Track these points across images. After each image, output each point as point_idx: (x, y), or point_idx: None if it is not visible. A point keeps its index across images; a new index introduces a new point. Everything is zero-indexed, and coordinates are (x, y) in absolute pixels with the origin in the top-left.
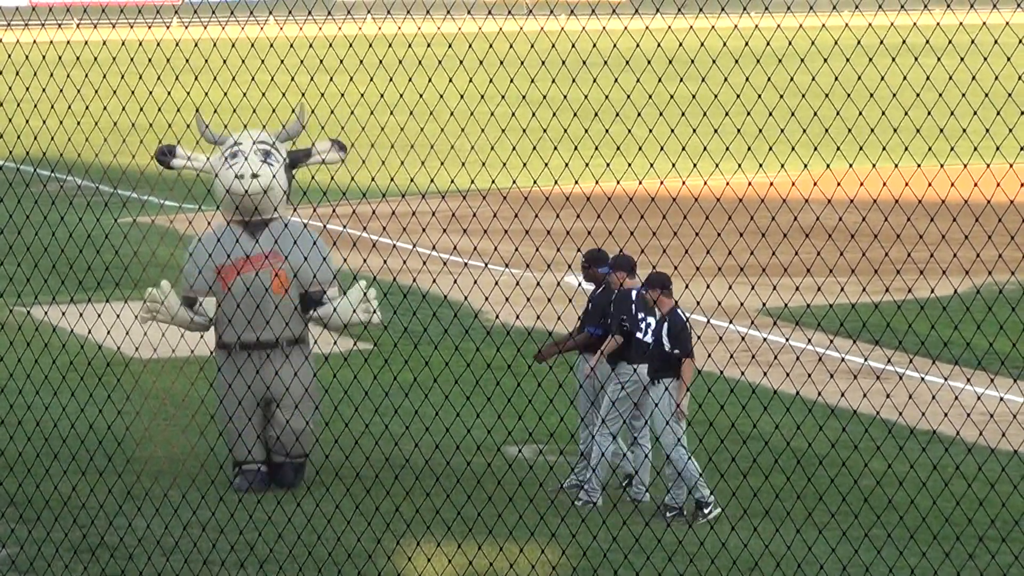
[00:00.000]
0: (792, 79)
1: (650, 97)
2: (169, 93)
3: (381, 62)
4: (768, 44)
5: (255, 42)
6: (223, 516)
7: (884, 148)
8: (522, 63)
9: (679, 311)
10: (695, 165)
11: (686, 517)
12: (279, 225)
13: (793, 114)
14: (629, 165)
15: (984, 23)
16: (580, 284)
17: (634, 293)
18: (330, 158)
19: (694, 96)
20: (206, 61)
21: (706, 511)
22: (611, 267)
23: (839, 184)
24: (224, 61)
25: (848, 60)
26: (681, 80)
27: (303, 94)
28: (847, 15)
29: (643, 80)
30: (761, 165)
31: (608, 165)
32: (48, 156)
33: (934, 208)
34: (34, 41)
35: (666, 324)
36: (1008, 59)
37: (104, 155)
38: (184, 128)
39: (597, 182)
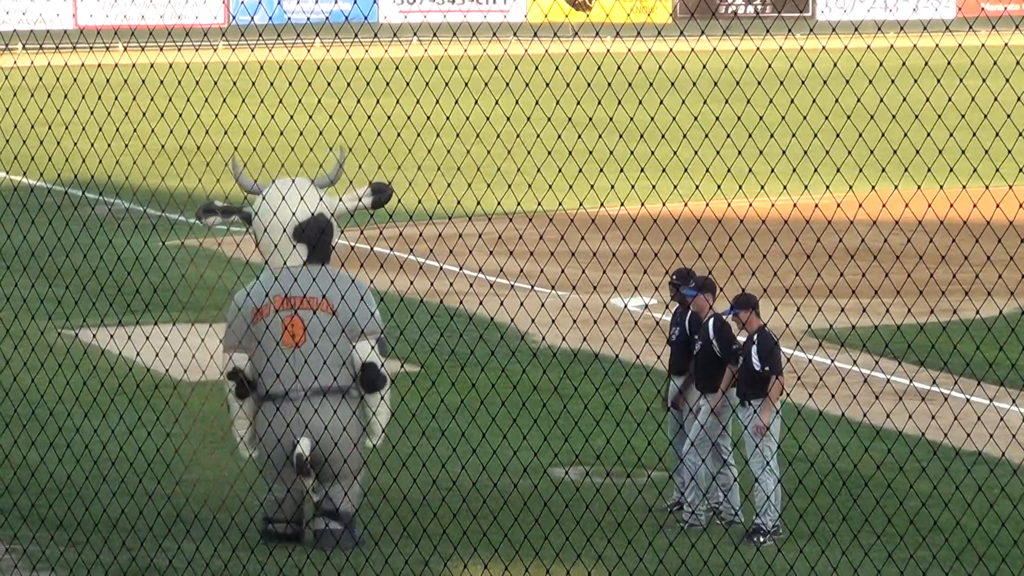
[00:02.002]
0: (837, 100)
1: (695, 119)
2: (217, 116)
3: (428, 84)
4: (813, 65)
5: (302, 64)
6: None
7: (929, 169)
8: (568, 85)
9: (768, 331)
10: (740, 187)
11: (776, 540)
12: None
13: (839, 135)
14: (675, 187)
15: None
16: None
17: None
18: (367, 202)
19: (739, 118)
20: (253, 83)
21: (762, 539)
22: (698, 289)
23: (884, 205)
24: (271, 83)
25: (893, 81)
26: (727, 102)
27: (350, 116)
28: (892, 36)
29: (688, 102)
30: (806, 187)
31: (654, 187)
32: (96, 179)
33: (979, 229)
34: (82, 64)
35: (755, 344)
36: None
37: (152, 178)
38: (232, 150)
39: (643, 204)
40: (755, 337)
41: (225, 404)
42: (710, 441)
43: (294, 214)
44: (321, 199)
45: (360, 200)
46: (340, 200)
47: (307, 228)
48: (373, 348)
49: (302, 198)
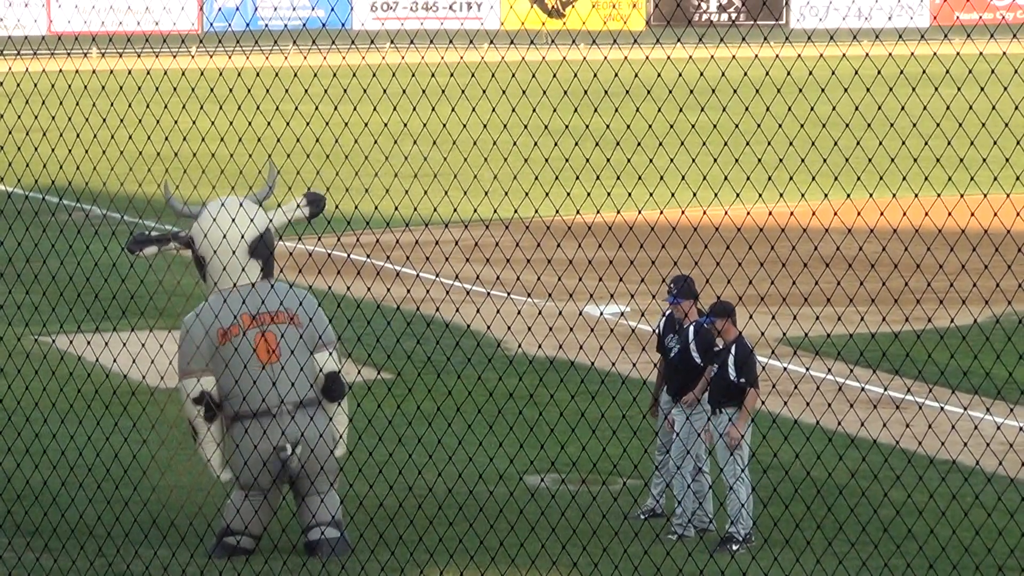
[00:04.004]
0: (813, 109)
1: (671, 127)
2: (194, 122)
3: (404, 91)
4: (788, 74)
5: (279, 71)
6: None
7: (904, 178)
8: (544, 93)
9: (744, 340)
10: (716, 194)
11: (750, 548)
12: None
13: (814, 143)
14: (651, 194)
15: (1004, 53)
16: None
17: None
18: (297, 216)
19: (715, 126)
20: (231, 90)
21: (735, 547)
22: (679, 295)
23: (859, 213)
24: (248, 90)
25: (868, 89)
26: (702, 110)
27: (327, 123)
28: (867, 45)
29: (664, 110)
30: (782, 194)
31: (629, 194)
32: (73, 185)
33: (954, 237)
34: (60, 70)
35: (732, 353)
36: None
37: (129, 184)
38: (209, 157)
39: (619, 211)
40: (732, 347)
41: (191, 429)
42: (686, 450)
43: (243, 235)
44: (267, 214)
45: (298, 211)
46: (282, 212)
47: (259, 245)
48: (331, 355)
49: (252, 220)
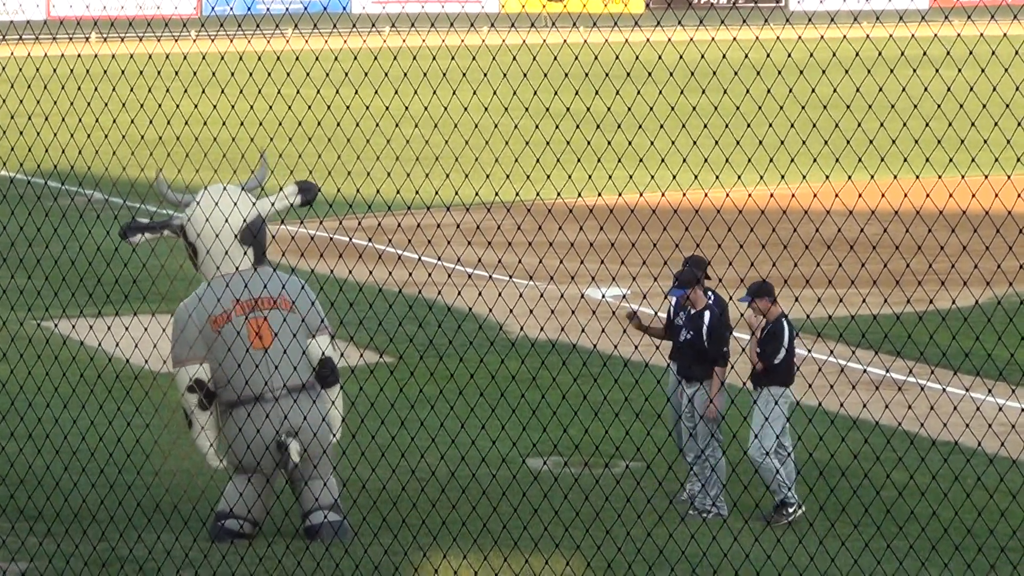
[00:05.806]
0: (813, 90)
1: (672, 109)
2: (196, 106)
3: (406, 75)
4: (789, 56)
5: (281, 55)
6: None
7: (905, 160)
8: (545, 75)
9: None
10: (717, 177)
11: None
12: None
13: (815, 125)
14: (652, 177)
15: (1005, 34)
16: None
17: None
18: (296, 202)
19: (716, 108)
20: (232, 74)
21: (790, 510)
22: (683, 286)
23: (860, 195)
24: (250, 74)
25: (869, 71)
26: (703, 92)
27: (328, 107)
28: (868, 27)
29: (665, 92)
30: (783, 177)
31: (631, 177)
32: (75, 170)
33: (955, 219)
34: (62, 55)
35: (786, 329)
36: None
37: (130, 169)
38: (211, 141)
39: (620, 194)
40: (770, 324)
41: (186, 418)
42: (707, 432)
43: (236, 223)
44: (255, 203)
45: (291, 200)
46: (273, 202)
47: (250, 232)
48: (326, 340)
49: (254, 204)
